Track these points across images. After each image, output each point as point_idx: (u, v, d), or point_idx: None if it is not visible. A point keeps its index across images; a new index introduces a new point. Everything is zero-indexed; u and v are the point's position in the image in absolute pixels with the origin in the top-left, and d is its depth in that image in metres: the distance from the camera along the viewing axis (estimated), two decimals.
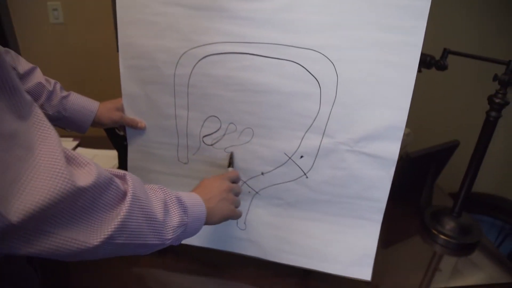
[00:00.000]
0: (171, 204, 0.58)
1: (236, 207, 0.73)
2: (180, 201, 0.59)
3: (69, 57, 1.79)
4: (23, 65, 0.76)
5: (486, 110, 0.87)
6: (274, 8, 0.70)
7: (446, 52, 0.89)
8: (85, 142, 1.29)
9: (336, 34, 0.69)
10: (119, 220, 0.48)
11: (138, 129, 0.84)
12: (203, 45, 0.75)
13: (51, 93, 0.78)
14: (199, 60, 0.76)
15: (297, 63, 0.72)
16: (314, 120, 0.74)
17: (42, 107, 0.77)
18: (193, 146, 0.83)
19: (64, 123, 0.82)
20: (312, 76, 0.72)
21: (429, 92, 1.37)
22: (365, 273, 0.78)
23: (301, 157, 0.77)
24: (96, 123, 0.83)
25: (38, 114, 0.42)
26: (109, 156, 1.20)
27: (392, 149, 0.72)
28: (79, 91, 0.83)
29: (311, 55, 0.71)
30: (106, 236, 0.47)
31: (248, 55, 0.73)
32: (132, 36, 0.79)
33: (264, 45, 0.72)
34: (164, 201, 0.57)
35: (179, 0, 0.73)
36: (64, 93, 0.81)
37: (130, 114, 0.85)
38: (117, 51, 0.80)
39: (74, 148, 1.24)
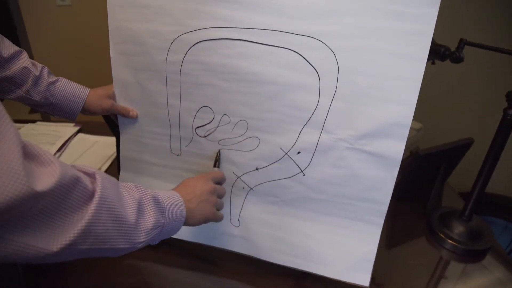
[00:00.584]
0: (147, 204, 0.54)
1: (219, 209, 0.69)
2: (157, 201, 0.55)
3: (75, 39, 1.75)
4: (8, 48, 0.71)
5: (503, 108, 0.79)
6: None
7: (462, 43, 0.80)
8: (86, 128, 1.25)
9: (338, 20, 0.62)
10: (83, 224, 0.44)
11: (130, 118, 0.79)
12: (196, 30, 0.69)
13: (38, 78, 0.74)
14: (192, 46, 0.70)
15: (294, 51, 0.65)
16: (313, 113, 0.68)
17: (27, 93, 0.73)
18: (186, 138, 0.77)
19: (52, 110, 0.78)
20: (310, 66, 0.65)
21: (442, 85, 1.28)
22: (363, 279, 0.72)
23: (298, 153, 0.71)
24: (85, 110, 0.79)
25: None
26: (109, 143, 1.16)
27: (396, 149, 0.65)
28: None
29: (310, 43, 0.64)
30: (67, 242, 0.42)
31: (242, 42, 0.67)
32: (122, 20, 0.73)
33: (260, 31, 0.66)
34: (139, 201, 0.52)
35: None
36: (52, 78, 0.76)
37: (122, 101, 0.80)
38: None
39: (75, 134, 1.20)
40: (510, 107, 0.77)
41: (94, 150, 1.14)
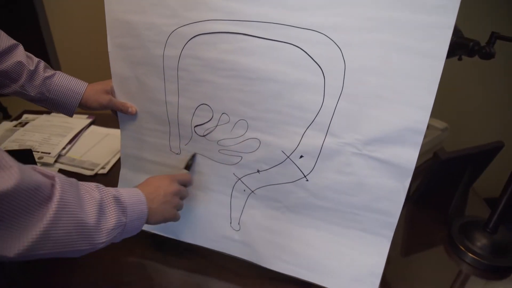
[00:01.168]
0: (108, 205, 0.53)
1: (179, 210, 0.68)
2: (118, 201, 0.54)
3: (97, 23, 1.72)
4: (3, 41, 0.68)
5: None
6: None
7: (493, 37, 0.70)
8: (99, 120, 1.23)
9: (345, 11, 0.54)
10: (42, 229, 0.42)
11: (129, 114, 0.75)
12: (193, 22, 0.63)
13: (33, 73, 0.70)
14: (189, 40, 0.65)
15: (297, 47, 0.58)
16: (317, 115, 0.61)
17: (22, 88, 0.70)
18: (185, 136, 0.73)
19: (49, 105, 0.74)
20: (314, 63, 0.58)
21: (470, 83, 1.16)
22: None
23: (301, 157, 0.64)
24: (83, 105, 0.75)
25: None
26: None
27: (408, 157, 0.58)
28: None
29: (314, 37, 0.57)
30: (25, 248, 0.41)
31: (242, 36, 0.61)
32: (118, 11, 0.69)
33: (261, 25, 0.59)
34: (99, 202, 0.51)
35: None
36: (49, 72, 0.73)
37: (121, 96, 0.76)
38: None
39: (88, 126, 1.18)
40: None
41: (105, 143, 1.12)
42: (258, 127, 0.65)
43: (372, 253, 0.65)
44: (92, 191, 0.52)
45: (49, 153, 1.05)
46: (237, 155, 0.69)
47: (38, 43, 1.73)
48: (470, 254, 0.78)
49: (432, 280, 0.78)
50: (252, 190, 0.71)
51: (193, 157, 0.73)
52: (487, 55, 0.72)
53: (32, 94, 0.71)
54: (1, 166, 0.39)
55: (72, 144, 1.10)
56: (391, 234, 0.63)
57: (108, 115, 1.14)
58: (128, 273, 0.75)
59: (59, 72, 0.74)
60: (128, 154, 0.81)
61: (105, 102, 0.74)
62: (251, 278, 0.73)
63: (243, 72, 0.63)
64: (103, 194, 0.53)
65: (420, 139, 0.56)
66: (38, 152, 1.05)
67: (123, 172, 0.83)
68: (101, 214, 0.51)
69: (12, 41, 0.70)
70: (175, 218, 0.67)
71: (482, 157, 0.87)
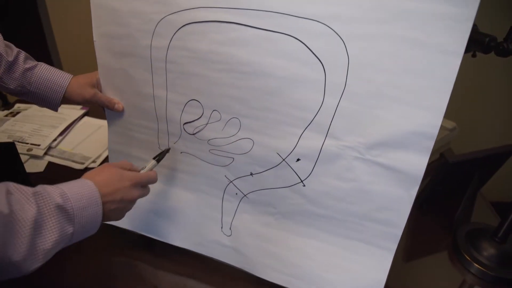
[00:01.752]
0: (48, 218, 0.44)
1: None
2: (62, 210, 0.45)
3: None
4: None
5: None
6: None
7: None
8: (93, 111, 1.16)
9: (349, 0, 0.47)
10: None
11: (115, 111, 0.69)
12: (182, 10, 0.56)
13: (12, 64, 0.64)
14: (178, 30, 0.58)
15: (296, 38, 0.51)
16: (316, 114, 0.54)
17: (1, 79, 0.63)
18: (174, 134, 0.66)
19: (31, 98, 0.68)
20: (314, 57, 0.51)
21: (483, 81, 1.07)
22: None
23: (298, 160, 0.58)
24: (67, 100, 0.69)
25: None
26: None
27: (417, 163, 0.51)
28: None
29: (314, 28, 0.50)
30: None
31: (235, 25, 0.54)
32: None
33: (256, 13, 0.52)
34: (34, 218, 0.42)
35: None
36: (29, 64, 0.66)
37: (107, 89, 0.69)
38: None
39: (81, 117, 1.12)
40: None
41: (98, 135, 1.05)
42: (252, 126, 0.59)
43: (373, 266, 0.58)
44: (27, 204, 0.43)
45: (39, 145, 0.98)
46: (228, 156, 0.62)
47: (39, 42, 1.67)
48: (476, 265, 0.72)
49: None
50: (245, 194, 0.64)
51: (165, 152, 0.66)
52: (505, 52, 0.64)
53: (11, 87, 0.64)
54: None
55: (63, 135, 1.04)
56: (394, 246, 0.57)
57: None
58: (116, 275, 0.69)
59: (41, 63, 0.68)
60: (115, 150, 0.74)
61: (89, 96, 0.68)
62: (243, 282, 0.67)
63: (236, 65, 0.56)
64: (41, 206, 0.44)
65: (430, 145, 0.49)
66: (27, 144, 0.98)
67: None
68: (37, 232, 0.43)
69: None
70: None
71: (492, 160, 0.80)
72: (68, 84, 0.67)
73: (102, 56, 0.66)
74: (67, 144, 1.02)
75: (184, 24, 0.57)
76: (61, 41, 1.70)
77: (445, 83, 0.46)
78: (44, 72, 0.66)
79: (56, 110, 0.70)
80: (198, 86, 0.60)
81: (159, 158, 0.64)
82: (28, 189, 0.45)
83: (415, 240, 0.80)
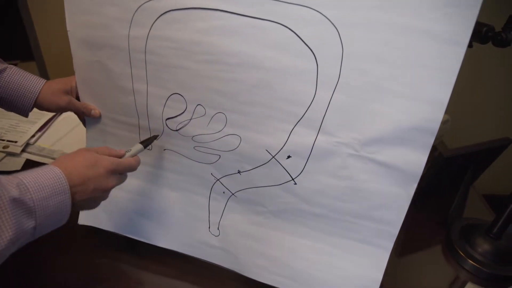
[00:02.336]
0: (0, 211, 0.38)
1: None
2: (18, 203, 0.39)
3: None
4: None
5: None
6: None
7: (511, 22, 0.59)
8: None
9: None
10: None
11: (92, 117, 0.63)
12: None
13: None
14: (158, 18, 0.52)
15: (285, 26, 0.46)
16: (307, 109, 0.49)
17: None
18: (156, 130, 0.61)
19: (0, 104, 0.62)
20: (305, 46, 0.46)
21: (478, 72, 1.03)
22: None
23: (288, 157, 0.53)
24: (39, 106, 0.63)
25: None
26: None
27: (416, 160, 0.47)
28: None
29: (305, 15, 0.45)
30: None
31: (219, 13, 0.49)
32: None
33: None
34: None
35: None
36: None
37: (83, 84, 0.63)
38: None
39: (59, 114, 1.05)
40: None
41: (79, 131, 0.99)
42: (238, 121, 0.54)
43: (368, 266, 0.55)
44: None
45: (16, 142, 0.92)
46: (214, 153, 0.58)
47: (19, 38, 1.58)
48: (470, 261, 0.69)
49: (427, 285, 0.68)
50: (233, 192, 0.60)
51: (154, 137, 0.60)
52: (502, 42, 0.60)
53: None
54: None
55: (42, 131, 0.97)
56: (390, 245, 0.53)
57: None
58: (100, 277, 0.64)
59: (11, 66, 0.61)
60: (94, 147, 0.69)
61: (63, 104, 0.62)
62: (233, 283, 0.63)
63: (220, 56, 0.50)
64: None
65: (431, 140, 0.45)
66: (3, 140, 0.92)
67: None
68: None
69: None
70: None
71: (487, 154, 0.76)
72: (40, 90, 0.61)
73: (77, 47, 0.60)
74: (46, 141, 0.95)
75: (164, 11, 0.51)
76: (43, 36, 1.61)
77: (448, 74, 0.42)
78: (15, 76, 0.60)
79: (26, 116, 0.64)
80: (180, 79, 0.54)
81: (146, 143, 0.58)
82: None
83: (408, 235, 0.76)
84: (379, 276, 0.55)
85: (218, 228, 0.63)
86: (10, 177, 0.41)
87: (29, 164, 0.88)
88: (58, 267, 0.65)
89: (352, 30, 0.44)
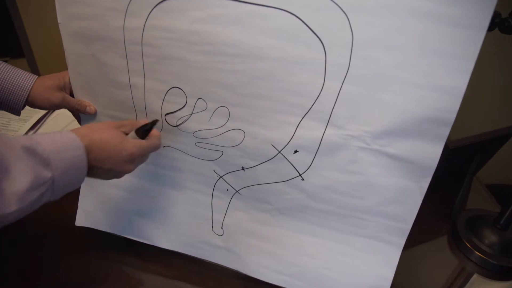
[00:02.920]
0: (14, 161, 0.36)
1: None
2: (31, 152, 0.38)
3: None
4: None
5: None
6: None
7: None
8: None
9: None
10: None
11: (87, 114, 0.59)
12: None
13: None
14: (154, 7, 0.48)
15: (291, 13, 0.43)
16: (315, 101, 0.46)
17: None
18: (155, 126, 0.57)
19: None
20: (313, 34, 0.43)
21: (480, 61, 0.99)
22: None
23: (295, 152, 0.50)
24: (30, 104, 0.59)
25: None
26: None
27: (429, 152, 0.44)
28: None
29: (313, 1, 0.42)
30: None
31: (218, 0, 0.45)
32: None
33: None
34: None
35: None
36: None
37: (76, 79, 0.59)
38: None
39: (52, 111, 1.01)
40: None
41: (73, 127, 0.94)
42: (242, 115, 0.50)
43: (379, 263, 0.52)
44: None
45: None
46: (217, 150, 0.54)
47: (8, 33, 1.52)
48: (477, 252, 0.67)
49: (433, 278, 0.66)
50: (237, 189, 0.57)
51: (153, 123, 0.51)
52: (509, 29, 0.58)
53: None
54: None
55: (35, 130, 0.93)
56: (402, 242, 0.51)
57: None
58: (100, 279, 0.60)
59: (1, 62, 0.57)
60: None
61: (57, 101, 0.58)
62: (237, 284, 0.60)
63: (221, 46, 0.47)
64: (3, 148, 0.36)
65: (446, 132, 0.42)
66: None
67: None
68: (1, 175, 0.36)
69: None
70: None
71: (491, 144, 0.74)
72: (32, 87, 0.57)
73: (68, 41, 0.56)
74: None
75: (160, 0, 0.48)
76: (32, 32, 1.55)
77: (465, 61, 0.39)
78: (4, 73, 0.56)
79: (18, 114, 0.60)
80: (179, 72, 0.51)
81: (143, 131, 0.50)
82: None
83: (414, 227, 0.73)
84: (390, 274, 0.52)
85: (221, 227, 0.60)
86: (20, 136, 0.40)
87: None
88: (57, 269, 0.62)
89: (362, 16, 0.41)
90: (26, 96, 0.58)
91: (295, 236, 0.56)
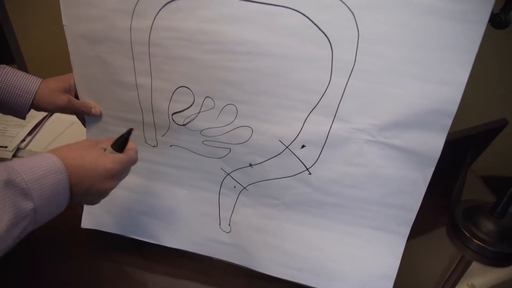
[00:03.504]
0: None
1: None
2: (8, 184, 0.36)
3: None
4: None
5: None
6: None
7: (510, 2, 0.59)
8: None
9: None
10: None
11: (92, 116, 0.60)
12: None
13: None
14: (162, 8, 0.49)
15: (297, 11, 0.44)
16: (322, 96, 0.48)
17: None
18: (162, 126, 0.58)
19: None
20: (320, 32, 0.44)
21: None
22: None
23: (303, 146, 0.51)
24: (36, 107, 0.59)
25: None
26: None
27: (433, 143, 0.46)
28: None
29: None
30: None
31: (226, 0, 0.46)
32: None
33: None
34: None
35: None
36: None
37: (81, 82, 0.59)
38: None
39: (50, 114, 1.00)
40: None
41: (71, 132, 0.94)
42: (250, 112, 0.51)
43: (385, 253, 0.54)
44: None
45: (6, 147, 0.87)
46: (225, 147, 0.55)
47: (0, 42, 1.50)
48: (475, 240, 0.69)
49: (434, 266, 0.68)
50: (244, 186, 0.58)
51: (128, 133, 0.48)
52: (501, 24, 0.60)
53: None
54: None
55: (33, 135, 0.92)
56: (407, 231, 0.52)
57: None
58: (105, 281, 0.61)
59: (4, 66, 0.57)
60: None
61: (62, 103, 0.58)
62: (244, 281, 0.61)
63: (228, 45, 0.48)
64: None
65: (449, 122, 0.44)
66: None
67: None
68: None
69: None
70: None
71: (485, 136, 0.77)
72: (37, 89, 0.57)
73: (74, 43, 0.56)
74: (38, 144, 0.90)
75: (168, 1, 0.48)
76: (22, 38, 1.53)
77: (466, 54, 0.41)
78: (9, 77, 0.56)
79: (24, 118, 0.60)
80: (187, 71, 0.52)
81: (119, 144, 0.48)
82: None
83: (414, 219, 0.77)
84: (396, 263, 0.54)
85: (229, 224, 0.60)
86: None
87: None
88: (60, 272, 0.61)
89: (368, 13, 0.42)
90: (31, 99, 0.58)
91: (303, 230, 0.57)
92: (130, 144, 0.49)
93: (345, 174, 0.51)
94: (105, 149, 0.48)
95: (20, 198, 0.36)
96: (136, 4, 0.50)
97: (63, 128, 0.96)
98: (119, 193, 0.64)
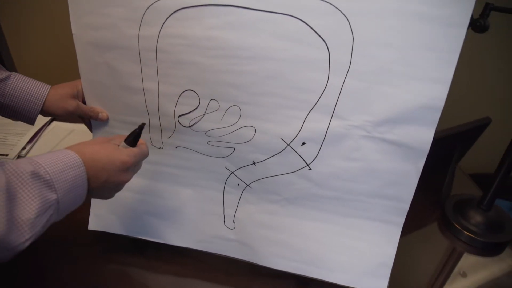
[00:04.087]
0: (20, 187, 0.37)
1: None
2: (36, 176, 0.39)
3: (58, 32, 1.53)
4: None
5: None
6: None
7: (488, 8, 0.64)
8: None
9: None
10: None
11: (100, 120, 0.63)
12: None
13: None
14: (169, 16, 0.53)
15: (297, 18, 0.48)
16: (321, 96, 0.52)
17: None
18: (168, 128, 0.61)
19: (5, 113, 0.60)
20: (318, 36, 0.49)
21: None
22: (380, 286, 0.58)
23: (303, 143, 0.55)
24: (45, 112, 0.62)
25: None
26: (87, 132, 0.97)
27: (423, 137, 0.50)
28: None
29: (317, 6, 0.47)
30: None
31: (231, 8, 0.50)
32: None
33: None
34: (5, 188, 0.36)
35: None
36: (2, 75, 0.58)
37: (89, 88, 0.62)
38: None
39: (49, 122, 1.02)
40: None
41: (70, 140, 0.97)
42: (253, 113, 0.55)
43: (382, 242, 0.57)
44: None
45: (7, 155, 0.89)
46: (229, 147, 0.59)
47: None
48: (466, 232, 0.74)
49: (427, 258, 0.72)
50: (247, 183, 0.61)
51: (140, 128, 0.52)
52: (481, 28, 0.66)
53: None
54: None
55: (32, 143, 0.94)
56: (402, 220, 0.56)
57: None
58: (107, 284, 0.63)
59: (15, 73, 0.60)
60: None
61: (71, 109, 0.61)
62: (248, 278, 0.63)
63: (233, 50, 0.52)
64: (9, 175, 0.37)
65: (437, 117, 0.49)
66: None
67: None
68: (12, 206, 0.37)
69: None
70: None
71: (470, 134, 0.82)
72: (47, 95, 0.60)
73: (82, 50, 0.60)
74: (38, 152, 0.92)
75: (175, 9, 0.52)
76: (15, 49, 1.55)
77: (451, 54, 0.45)
78: (20, 83, 0.59)
79: (32, 123, 0.63)
80: (193, 75, 0.55)
81: (132, 138, 0.52)
82: None
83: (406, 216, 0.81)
84: (392, 251, 0.58)
85: (233, 221, 0.64)
86: (20, 159, 0.41)
87: None
88: (65, 273, 0.63)
89: (361, 19, 0.47)
90: (41, 105, 0.60)
91: (304, 224, 0.60)
92: (141, 139, 0.53)
93: (343, 169, 0.55)
94: (118, 145, 0.51)
95: (46, 189, 0.39)
96: (144, 13, 0.54)
97: (63, 136, 0.98)
98: (126, 195, 0.67)
